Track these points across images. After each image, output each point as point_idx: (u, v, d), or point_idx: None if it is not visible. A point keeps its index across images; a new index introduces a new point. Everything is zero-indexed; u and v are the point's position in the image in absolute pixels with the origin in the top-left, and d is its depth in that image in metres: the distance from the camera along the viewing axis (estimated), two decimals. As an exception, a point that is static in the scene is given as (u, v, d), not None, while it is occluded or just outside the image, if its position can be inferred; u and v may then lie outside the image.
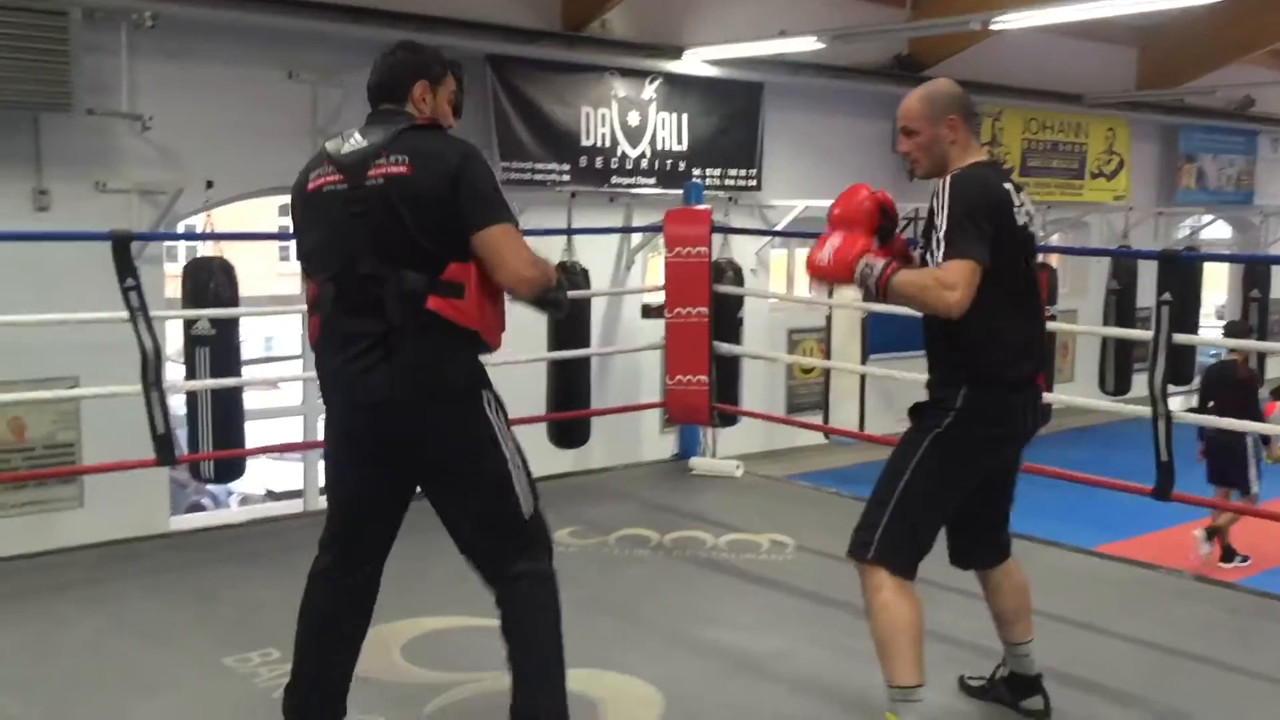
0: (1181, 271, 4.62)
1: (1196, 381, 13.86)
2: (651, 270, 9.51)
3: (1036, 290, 3.13)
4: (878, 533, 2.98)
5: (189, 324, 6.55)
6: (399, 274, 2.69)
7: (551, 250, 7.50)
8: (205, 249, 7.19)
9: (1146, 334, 4.59)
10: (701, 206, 6.63)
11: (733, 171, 10.03)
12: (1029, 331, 3.08)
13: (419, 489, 2.93)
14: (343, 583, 2.96)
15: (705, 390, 6.27)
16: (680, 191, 7.35)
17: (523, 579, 2.84)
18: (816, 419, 10.03)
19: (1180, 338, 4.61)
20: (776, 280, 11.59)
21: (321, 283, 2.84)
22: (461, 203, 2.69)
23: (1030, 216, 3.07)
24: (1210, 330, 16.36)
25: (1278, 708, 3.55)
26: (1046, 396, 8.18)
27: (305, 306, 2.96)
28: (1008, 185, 3.00)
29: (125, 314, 4.67)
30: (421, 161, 2.71)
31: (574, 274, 7.60)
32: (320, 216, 2.83)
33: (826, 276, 3.02)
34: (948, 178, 2.94)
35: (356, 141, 2.79)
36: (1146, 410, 4.48)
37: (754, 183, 10.16)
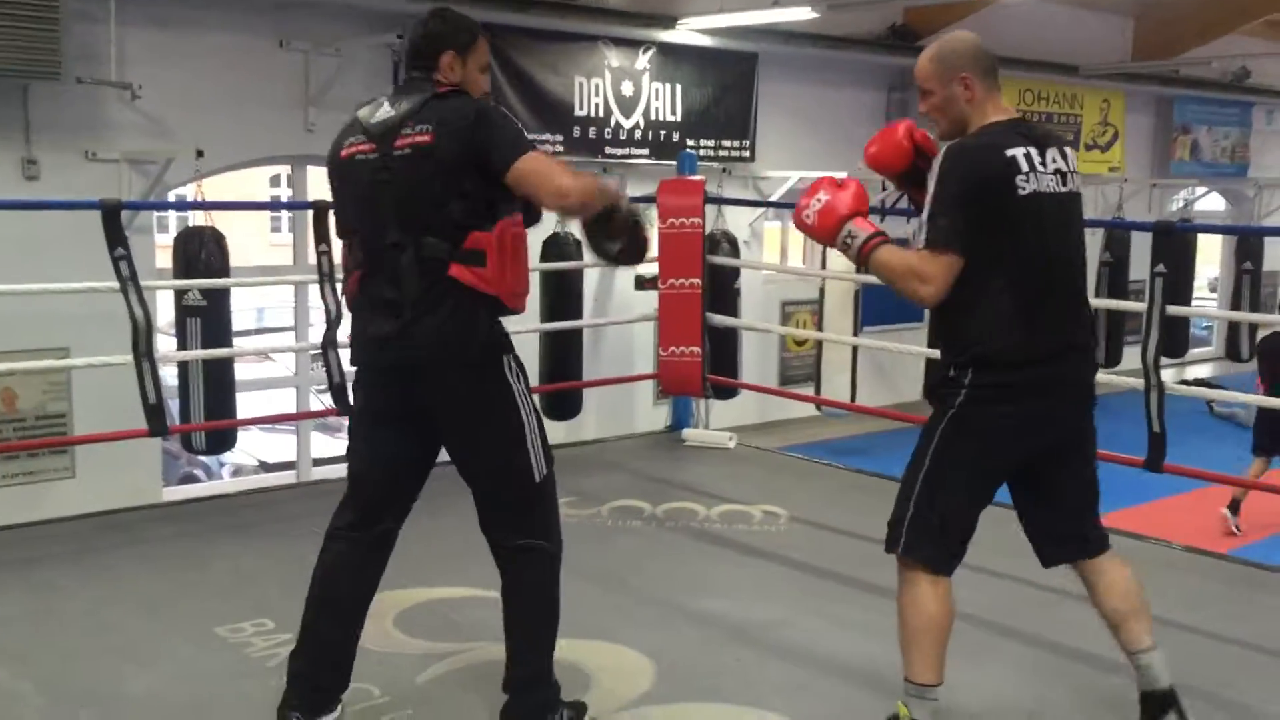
0: (1176, 243, 4.61)
1: (1191, 352, 13.96)
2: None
3: (1062, 259, 2.89)
4: (904, 527, 2.89)
5: (180, 294, 6.51)
6: (419, 241, 2.77)
7: (544, 221, 7.47)
8: (196, 219, 7.15)
9: (1140, 305, 4.59)
10: (695, 177, 6.60)
11: (726, 142, 9.98)
12: (1048, 307, 2.84)
13: (443, 451, 3.00)
14: (358, 541, 3.01)
15: (698, 362, 6.27)
16: (674, 162, 7.32)
17: (523, 554, 2.94)
18: (809, 391, 10.04)
19: (1174, 309, 4.61)
20: (770, 252, 11.57)
21: (352, 249, 2.94)
22: (486, 153, 2.76)
23: (1059, 178, 2.84)
24: (1204, 303, 16.40)
25: (1265, 677, 3.57)
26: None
27: (298, 277, 3.01)
28: (1015, 151, 2.78)
29: (116, 284, 4.65)
30: (444, 128, 2.77)
31: (566, 245, 7.57)
32: (351, 184, 2.92)
33: (808, 234, 2.96)
34: (944, 148, 2.85)
35: (385, 110, 2.86)
36: (1139, 382, 4.49)
37: (748, 154, 10.11)
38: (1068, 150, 2.92)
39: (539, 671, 2.99)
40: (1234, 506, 8.11)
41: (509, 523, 2.95)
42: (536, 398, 7.50)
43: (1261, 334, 8.48)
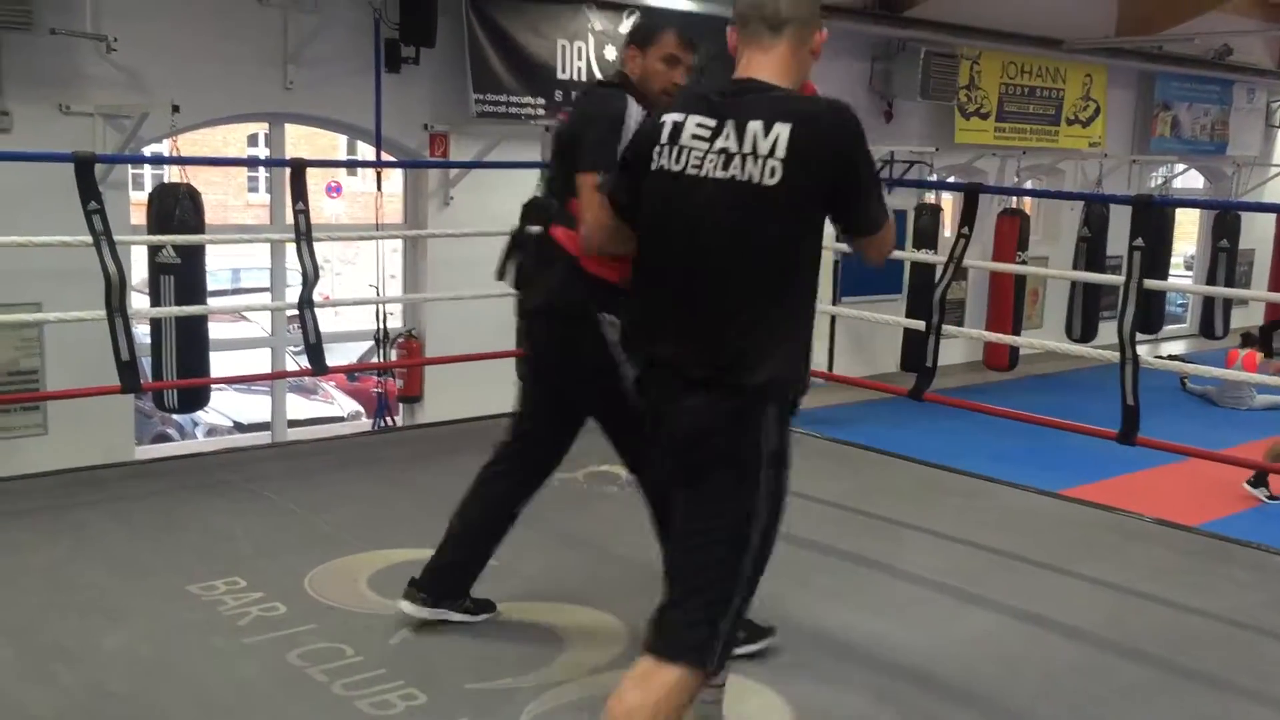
0: (1155, 217, 4.63)
1: (1165, 329, 14.07)
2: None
3: (683, 261, 2.33)
4: None
5: (154, 251, 6.44)
6: (547, 201, 3.25)
7: (525, 185, 7.42)
8: (172, 175, 7.07)
9: (1118, 279, 4.61)
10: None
11: (709, 109, 9.92)
12: (652, 302, 2.41)
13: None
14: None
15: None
16: (656, 128, 7.27)
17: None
18: (787, 360, 10.04)
19: (1150, 283, 4.63)
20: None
21: None
22: (574, 146, 3.08)
23: (720, 159, 2.27)
24: (1180, 280, 16.49)
25: (1224, 648, 3.62)
26: (1014, 340, 8.17)
27: (275, 235, 3.07)
28: (673, 117, 2.37)
29: (89, 238, 4.60)
30: (573, 110, 3.29)
31: (550, 209, 7.54)
32: None
33: None
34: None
35: None
36: (1114, 355, 4.51)
37: (730, 121, 10.07)
38: (751, 126, 2.25)
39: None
40: (1258, 480, 8.17)
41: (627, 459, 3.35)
42: (513, 361, 7.45)
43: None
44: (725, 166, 2.27)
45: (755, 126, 2.24)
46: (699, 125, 2.32)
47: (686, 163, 2.31)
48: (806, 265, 2.33)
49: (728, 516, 2.29)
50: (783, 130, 2.22)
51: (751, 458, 2.28)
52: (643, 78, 3.20)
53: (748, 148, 2.25)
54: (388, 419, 8.51)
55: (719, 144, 2.28)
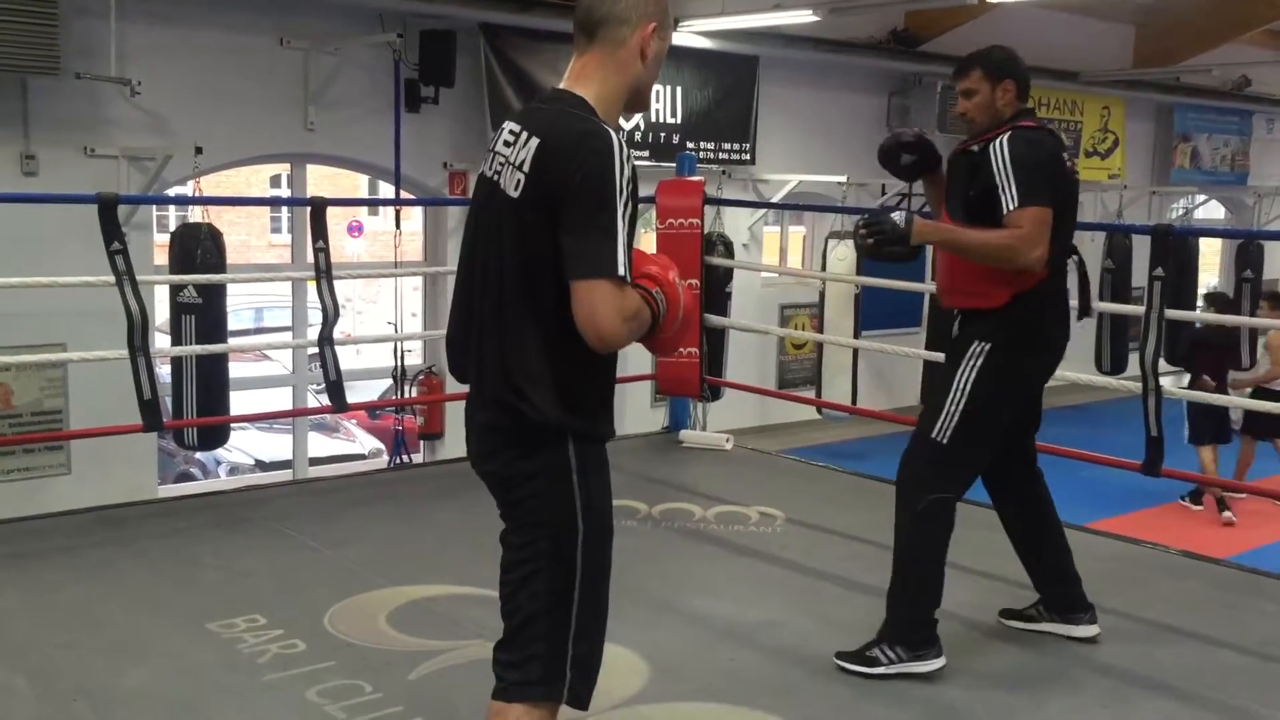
0: (1176, 247, 4.59)
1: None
2: (644, 243, 9.48)
3: (481, 275, 2.27)
4: None
5: (175, 292, 6.50)
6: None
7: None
8: (194, 216, 7.14)
9: (1139, 309, 4.58)
10: (694, 178, 6.59)
11: (726, 145, 9.97)
12: (457, 332, 2.36)
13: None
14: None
15: (696, 363, 6.25)
16: (673, 164, 7.31)
17: None
18: (809, 395, 10.02)
19: (1173, 313, 4.59)
20: (769, 255, 11.57)
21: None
22: None
23: (507, 169, 2.21)
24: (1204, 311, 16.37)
25: (1262, 683, 3.55)
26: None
27: (295, 273, 2.99)
28: (504, 123, 2.33)
29: (111, 278, 4.63)
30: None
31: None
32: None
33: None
34: None
35: None
36: (1137, 386, 4.47)
37: (748, 156, 10.11)
38: (523, 136, 2.20)
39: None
40: (1219, 503, 8.24)
41: None
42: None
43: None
44: (502, 175, 2.22)
45: (524, 137, 2.20)
46: (510, 132, 2.25)
47: (493, 169, 2.26)
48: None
49: (541, 539, 2.21)
50: (533, 144, 2.17)
51: (545, 472, 2.19)
52: None
53: (513, 157, 2.20)
54: (404, 456, 8.52)
55: (519, 153, 2.19)
